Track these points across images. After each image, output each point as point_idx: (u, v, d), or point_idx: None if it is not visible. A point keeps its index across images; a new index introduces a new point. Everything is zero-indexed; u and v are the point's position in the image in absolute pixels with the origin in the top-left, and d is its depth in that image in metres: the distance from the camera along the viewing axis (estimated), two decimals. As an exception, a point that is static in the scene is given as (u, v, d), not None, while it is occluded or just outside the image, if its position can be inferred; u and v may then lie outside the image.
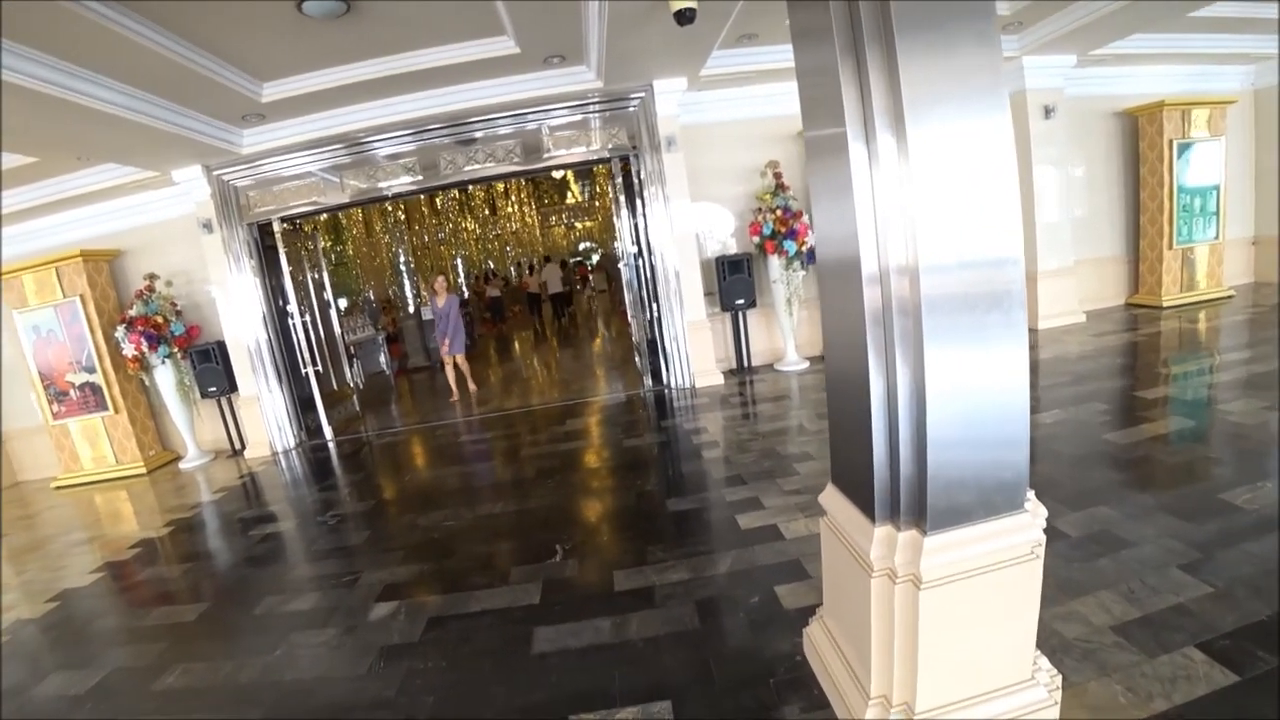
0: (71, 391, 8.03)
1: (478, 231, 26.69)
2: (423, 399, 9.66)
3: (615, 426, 6.34)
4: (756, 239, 7.41)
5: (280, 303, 7.68)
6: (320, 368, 7.82)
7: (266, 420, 7.64)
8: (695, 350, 7.29)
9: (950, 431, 1.89)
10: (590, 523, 4.28)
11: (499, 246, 28.98)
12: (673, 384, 7.42)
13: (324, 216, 21.96)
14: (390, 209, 13.48)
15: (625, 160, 7.31)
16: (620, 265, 7.82)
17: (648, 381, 7.58)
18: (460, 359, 8.91)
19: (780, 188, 7.46)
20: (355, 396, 8.80)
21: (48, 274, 7.82)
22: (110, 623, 3.93)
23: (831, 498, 2.35)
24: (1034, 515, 2.06)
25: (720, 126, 7.78)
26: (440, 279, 9.01)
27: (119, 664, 3.40)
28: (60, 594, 4.50)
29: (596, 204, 33.81)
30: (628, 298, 7.72)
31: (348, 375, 8.73)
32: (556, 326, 16.86)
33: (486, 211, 28.09)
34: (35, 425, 8.46)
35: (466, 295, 18.24)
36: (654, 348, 7.52)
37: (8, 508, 7.61)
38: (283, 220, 7.56)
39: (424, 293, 13.29)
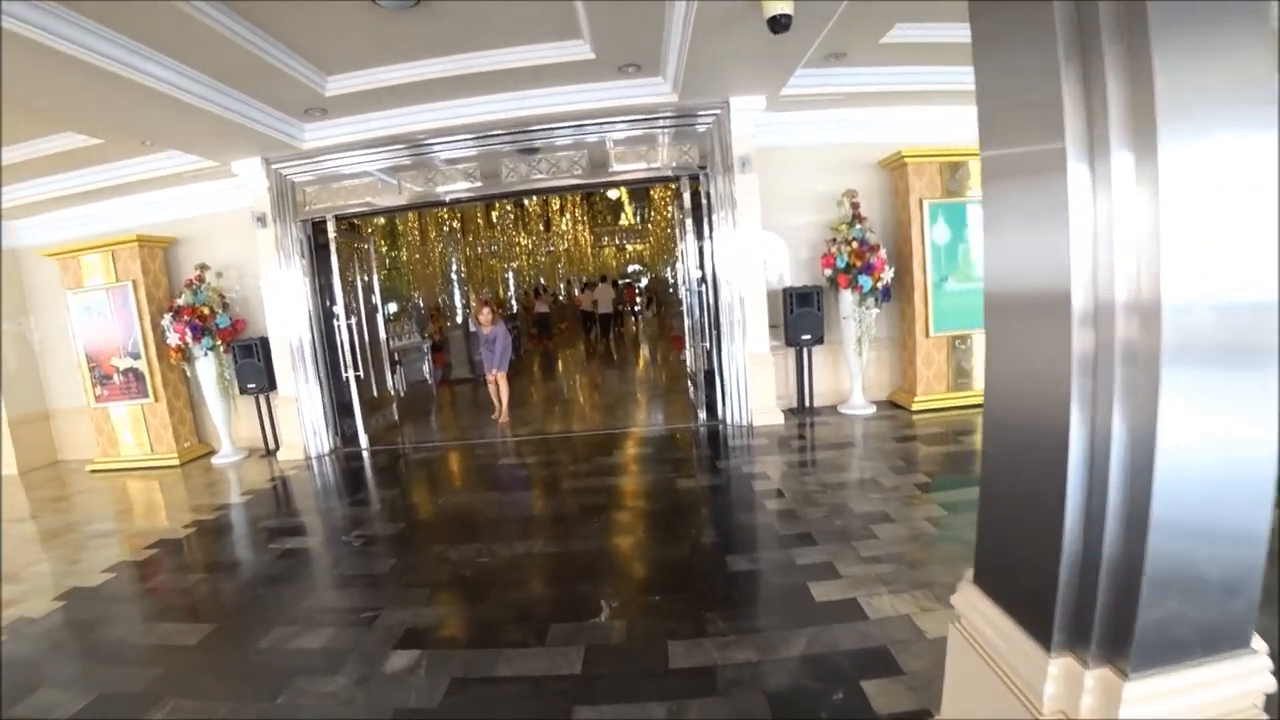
0: (115, 376, 7.93)
1: (530, 247, 26.68)
2: (464, 413, 9.34)
3: (666, 463, 5.86)
4: (828, 272, 6.92)
5: (327, 303, 7.46)
6: (361, 372, 7.55)
7: (303, 422, 7.38)
8: (756, 385, 6.79)
9: (1184, 515, 1.38)
10: (639, 576, 3.80)
11: (550, 263, 28.96)
12: (729, 420, 6.92)
13: (380, 220, 22.26)
14: (446, 217, 13.34)
15: (694, 180, 6.91)
16: (681, 290, 7.41)
17: (701, 415, 7.09)
18: (501, 377, 8.49)
19: (857, 219, 6.97)
20: (395, 405, 8.52)
21: (104, 256, 7.78)
22: (111, 634, 3.59)
23: (974, 603, 1.83)
24: (1260, 654, 1.53)
25: (794, 151, 7.34)
26: (485, 310, 8.60)
27: (109, 688, 3.04)
28: (68, 592, 4.21)
29: (650, 227, 33.72)
30: (686, 324, 7.28)
31: (389, 382, 8.45)
32: (604, 346, 16.54)
33: (541, 228, 28.11)
34: (78, 406, 8.41)
35: (515, 309, 18.06)
36: (711, 379, 7.04)
37: (44, 486, 7.52)
38: (337, 219, 7.36)
39: (473, 304, 13.06)
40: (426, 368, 11.18)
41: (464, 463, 6.63)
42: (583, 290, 17.71)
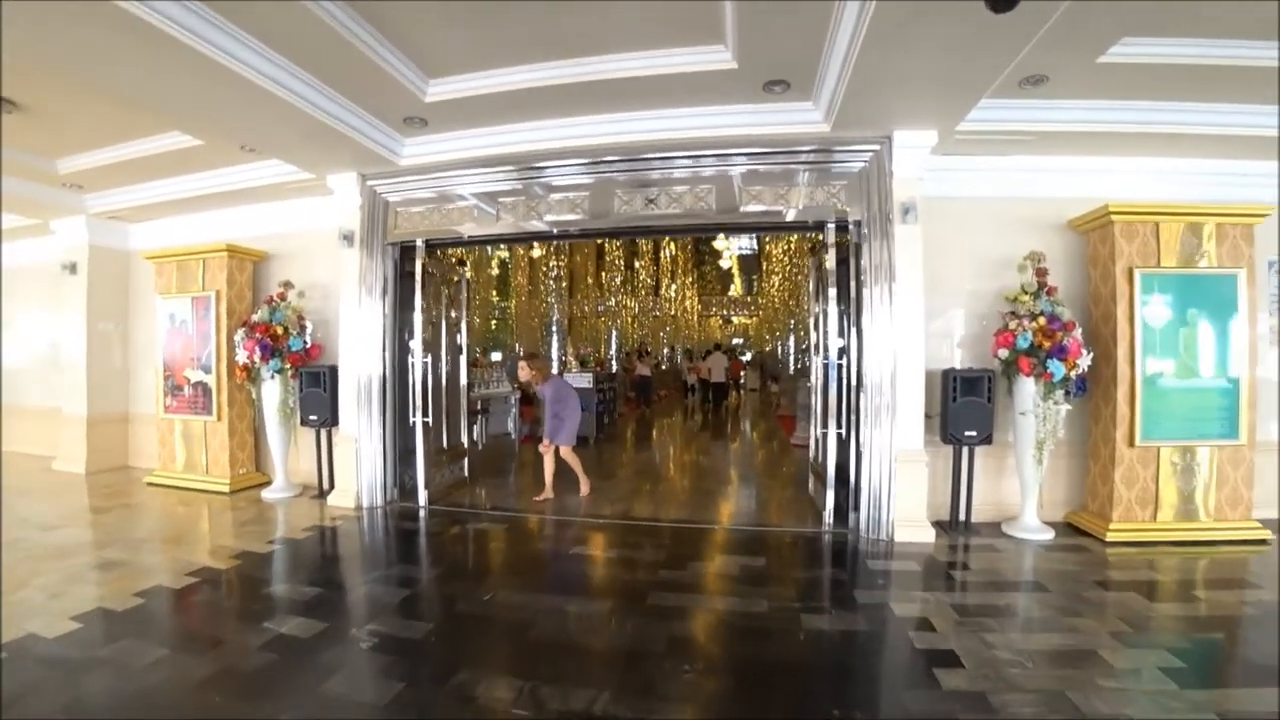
0: (186, 388, 7.45)
1: (636, 309, 26.11)
2: (565, 474, 8.25)
3: (784, 583, 4.42)
4: (1005, 353, 5.41)
5: (405, 337, 6.65)
6: (430, 419, 6.62)
7: (359, 467, 6.50)
8: (902, 490, 5.28)
9: None
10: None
11: (656, 328, 28.31)
12: (863, 529, 5.40)
13: (492, 262, 22.41)
14: (553, 266, 12.70)
15: (841, 229, 5.67)
16: (814, 363, 6.07)
17: (827, 519, 5.60)
18: (566, 451, 6.90)
19: (1044, 288, 5.48)
20: (467, 459, 7.54)
21: (195, 263, 7.44)
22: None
23: None
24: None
25: (961, 204, 6.00)
26: (524, 365, 7.00)
27: None
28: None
29: (759, 300, 32.59)
30: (817, 405, 5.91)
31: (464, 433, 7.51)
32: (711, 417, 15.30)
33: (646, 293, 27.60)
34: (152, 414, 8.12)
35: (615, 369, 17.17)
36: (843, 476, 5.58)
37: (97, 492, 7.08)
38: (428, 246, 6.62)
39: (569, 357, 12.19)
40: (512, 421, 10.27)
41: (528, 543, 5.46)
42: (703, 358, 17.69)
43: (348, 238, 6.56)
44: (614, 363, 17.75)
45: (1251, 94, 5.13)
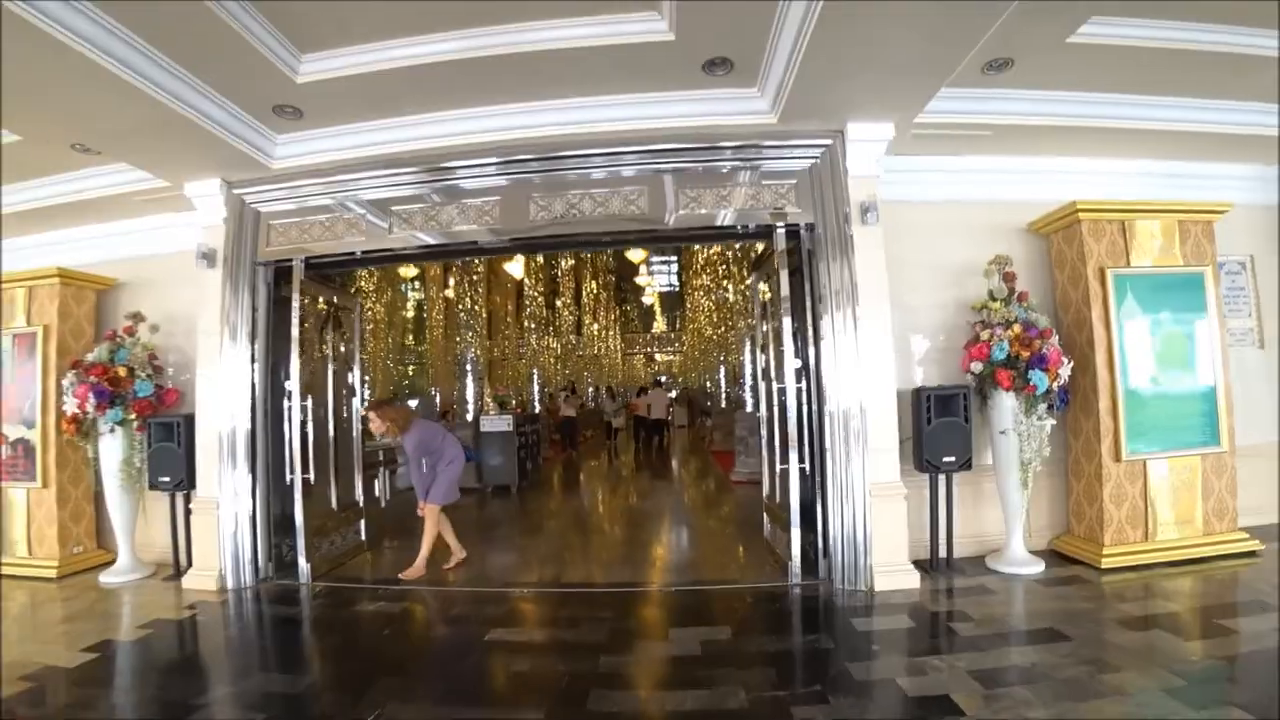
0: (4, 447, 5.97)
1: (558, 349, 25.17)
2: (472, 537, 7.10)
3: (760, 662, 3.48)
4: (979, 366, 4.84)
5: (281, 378, 5.49)
6: (312, 476, 5.44)
7: (222, 538, 5.23)
8: (881, 529, 4.53)
9: None
10: None
11: (578, 369, 27.40)
12: (838, 580, 4.60)
13: (409, 311, 21.05)
14: (469, 304, 11.64)
15: (792, 235, 5.00)
16: (769, 389, 5.31)
17: (794, 567, 4.75)
18: (432, 514, 5.54)
19: (1015, 294, 4.98)
20: (363, 521, 6.34)
21: (17, 293, 6.06)
22: None
23: None
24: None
25: (916, 209, 5.47)
26: (373, 417, 5.53)
27: None
28: None
29: (684, 336, 32.26)
30: (773, 437, 5.14)
31: (359, 491, 6.32)
32: (641, 459, 14.43)
33: (568, 331, 26.74)
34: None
35: (537, 410, 16.09)
36: (809, 517, 4.79)
37: None
38: (309, 265, 5.55)
39: (487, 400, 11.11)
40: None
41: (434, 628, 4.38)
42: (638, 395, 17.22)
43: (207, 256, 5.41)
44: (536, 404, 16.67)
45: (1221, 86, 4.88)
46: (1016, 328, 4.77)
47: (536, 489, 10.28)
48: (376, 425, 5.50)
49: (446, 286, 18.30)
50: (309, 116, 4.83)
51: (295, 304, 5.44)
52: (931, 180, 5.57)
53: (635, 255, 25.29)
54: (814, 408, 4.78)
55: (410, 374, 20.64)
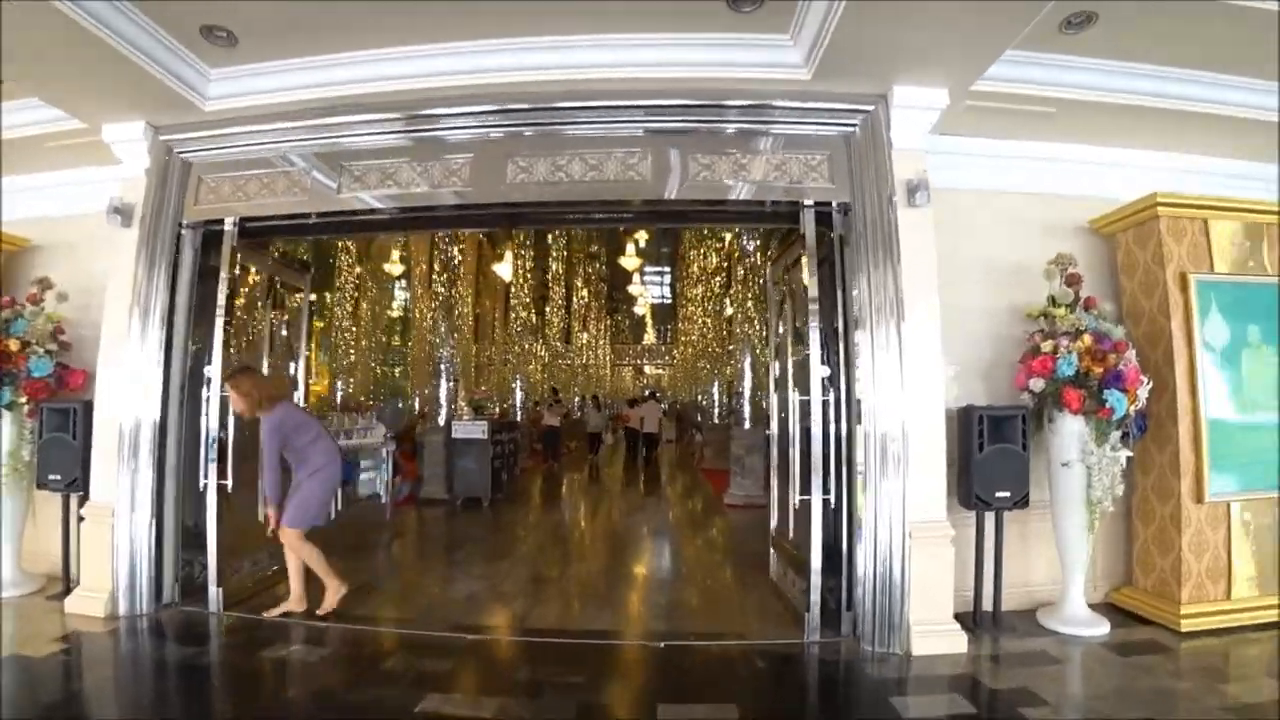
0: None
1: (545, 358, 24.27)
2: (423, 558, 6.19)
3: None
4: (1039, 384, 4.01)
5: (204, 365, 4.58)
6: (229, 481, 4.50)
7: (116, 553, 4.28)
8: (922, 579, 3.65)
9: None
10: None
11: (565, 378, 26.54)
12: (866, 638, 3.71)
13: (395, 311, 20.15)
14: (448, 301, 10.71)
15: (824, 219, 4.16)
16: (789, 401, 4.44)
17: (812, 621, 3.84)
18: (290, 538, 4.25)
19: (1081, 300, 4.18)
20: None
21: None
22: None
23: None
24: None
25: (962, 199, 4.63)
26: (231, 392, 4.24)
27: None
28: None
29: (675, 349, 31.41)
30: (784, 460, 4.28)
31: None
32: (628, 475, 13.57)
33: (556, 337, 25.87)
34: None
35: (519, 418, 15.17)
36: (832, 559, 3.90)
37: None
38: (244, 229, 4.66)
39: (460, 403, 10.19)
40: (382, 480, 8.12)
41: (357, 688, 3.43)
42: (629, 406, 16.54)
43: (121, 212, 4.51)
44: (518, 411, 15.75)
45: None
46: (1087, 338, 3.96)
47: (510, 503, 9.35)
48: (237, 403, 4.26)
49: (432, 283, 17.45)
50: (245, 45, 3.97)
51: (223, 275, 4.54)
52: (978, 167, 4.77)
53: (630, 263, 24.64)
54: (843, 426, 3.92)
55: (396, 374, 19.77)
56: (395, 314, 22.45)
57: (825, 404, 3.83)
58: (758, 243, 9.99)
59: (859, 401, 3.80)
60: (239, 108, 4.41)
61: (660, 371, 34.74)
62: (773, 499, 4.76)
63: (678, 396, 28.28)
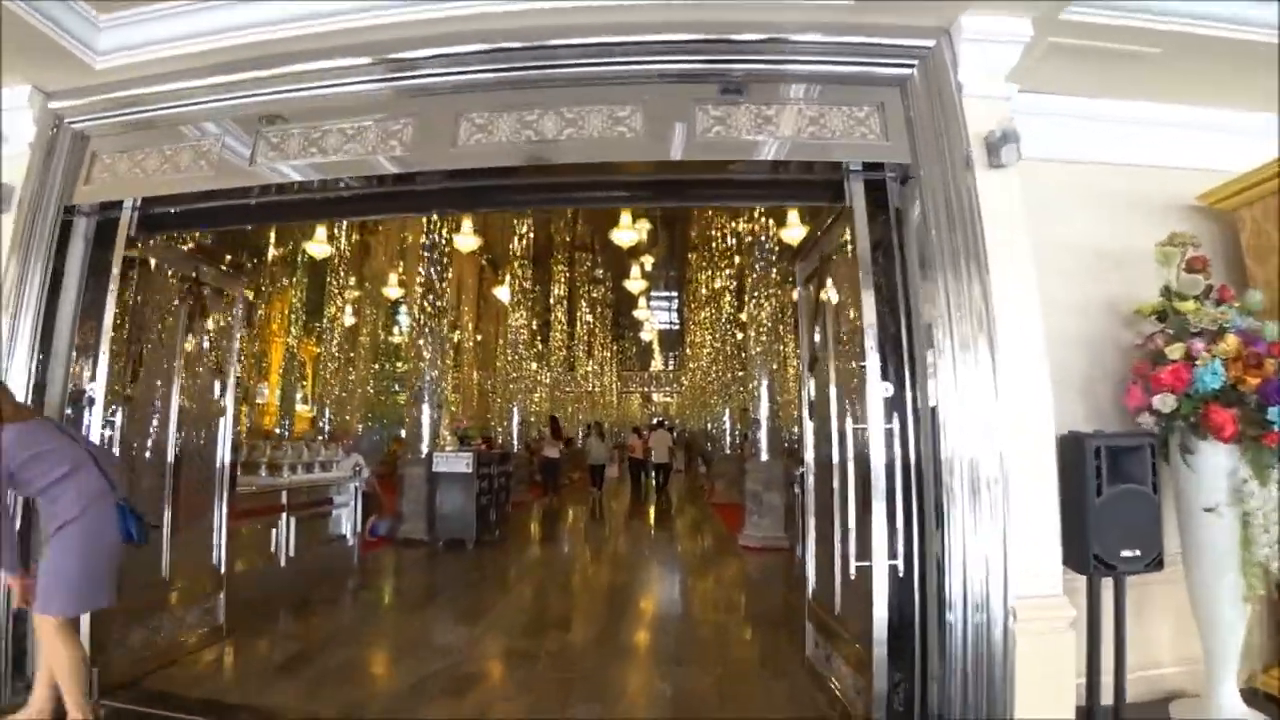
0: None
1: (548, 382, 23.32)
2: (381, 624, 5.14)
3: None
4: (1170, 402, 2.99)
5: (87, 377, 3.63)
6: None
7: (-44, 630, 3.30)
8: (1032, 679, 2.59)
9: None
10: None
11: (568, 406, 25.61)
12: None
13: (394, 336, 19.26)
14: (434, 312, 9.77)
15: (875, 189, 3.18)
16: (826, 432, 3.43)
17: (875, 727, 2.78)
18: (49, 631, 2.85)
19: (1210, 291, 3.18)
20: (224, 595, 4.38)
21: None
22: None
23: None
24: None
25: (1039, 170, 3.62)
26: None
27: None
28: None
29: (682, 379, 30.41)
30: (823, 509, 3.26)
31: (219, 550, 4.37)
32: (634, 510, 12.57)
33: (558, 362, 24.96)
34: None
35: (514, 449, 14.16)
36: (901, 640, 2.84)
37: None
38: (144, 213, 3.74)
39: (444, 433, 9.21)
40: (348, 520, 7.11)
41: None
42: (634, 435, 16.41)
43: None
44: (514, 441, 14.73)
45: None
46: (1232, 339, 2.95)
47: (498, 547, 8.29)
48: None
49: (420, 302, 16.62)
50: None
51: (114, 270, 3.62)
52: (1060, 132, 3.77)
53: (635, 286, 23.78)
54: (912, 463, 2.89)
55: (398, 401, 18.96)
56: (393, 338, 21.77)
57: (889, 433, 2.80)
58: (777, 241, 9.07)
59: (936, 430, 2.78)
60: (136, 63, 3.55)
61: (669, 400, 33.76)
62: (807, 553, 3.72)
63: (686, 425, 27.26)
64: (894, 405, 2.89)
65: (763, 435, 8.42)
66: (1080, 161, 3.80)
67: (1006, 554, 2.62)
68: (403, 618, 5.15)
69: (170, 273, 4.04)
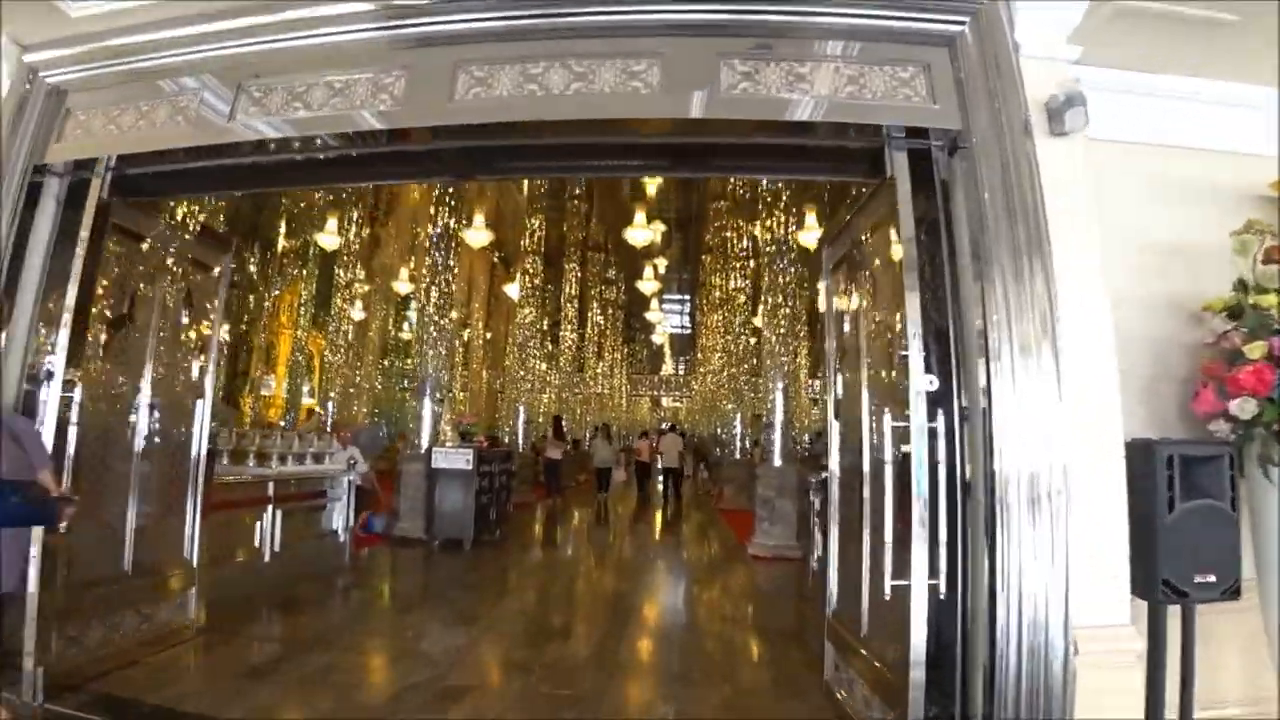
0: None
1: (556, 383, 23.03)
2: (363, 628, 4.82)
3: None
4: (1250, 408, 2.62)
5: (49, 349, 3.34)
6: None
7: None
8: (1097, 708, 2.23)
9: None
10: None
11: (578, 408, 25.30)
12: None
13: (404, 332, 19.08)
14: (442, 302, 9.48)
15: (920, 160, 2.83)
16: (857, 439, 3.09)
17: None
18: None
19: (1301, 282, 2.82)
20: (193, 591, 4.08)
21: None
22: None
23: None
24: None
25: (1096, 152, 3.29)
26: None
27: None
28: None
29: (694, 385, 30.03)
30: (848, 518, 2.91)
31: (191, 542, 4.07)
32: (638, 514, 12.25)
33: (567, 363, 24.66)
34: None
35: (518, 448, 13.86)
36: (941, 669, 2.48)
37: None
38: (118, 174, 3.46)
39: (444, 428, 8.92)
40: (339, 513, 6.80)
41: None
42: (641, 437, 16.21)
43: (-48, 151, 3.34)
44: (520, 440, 14.43)
45: None
46: (1335, 338, 2.59)
47: (496, 548, 7.98)
48: None
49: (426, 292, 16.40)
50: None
51: (82, 234, 3.33)
52: (1117, 109, 3.38)
53: (647, 288, 23.47)
54: (959, 471, 2.53)
55: (406, 398, 18.78)
56: (403, 334, 21.66)
57: (932, 433, 2.44)
58: (795, 239, 8.76)
59: (988, 432, 2.42)
60: (114, 10, 3.27)
61: (678, 405, 33.39)
62: (828, 566, 3.37)
63: (695, 429, 26.91)
64: (938, 402, 2.54)
65: (776, 439, 8.06)
66: (1141, 144, 3.42)
67: (1069, 576, 2.26)
68: (388, 621, 4.84)
69: (148, 242, 3.75)
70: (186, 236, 4.07)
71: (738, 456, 14.11)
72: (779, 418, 8.19)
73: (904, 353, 2.54)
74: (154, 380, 3.77)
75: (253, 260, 20.33)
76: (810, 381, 16.32)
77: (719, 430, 18.30)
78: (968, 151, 2.71)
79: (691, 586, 6.68)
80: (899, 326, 2.72)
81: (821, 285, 3.77)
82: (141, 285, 3.71)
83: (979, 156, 2.65)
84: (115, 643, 3.52)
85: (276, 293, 20.62)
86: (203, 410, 4.16)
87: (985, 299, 2.52)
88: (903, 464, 2.55)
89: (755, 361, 13.31)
